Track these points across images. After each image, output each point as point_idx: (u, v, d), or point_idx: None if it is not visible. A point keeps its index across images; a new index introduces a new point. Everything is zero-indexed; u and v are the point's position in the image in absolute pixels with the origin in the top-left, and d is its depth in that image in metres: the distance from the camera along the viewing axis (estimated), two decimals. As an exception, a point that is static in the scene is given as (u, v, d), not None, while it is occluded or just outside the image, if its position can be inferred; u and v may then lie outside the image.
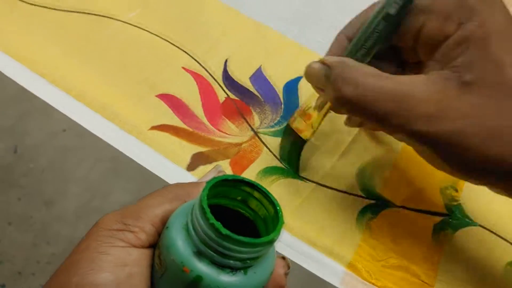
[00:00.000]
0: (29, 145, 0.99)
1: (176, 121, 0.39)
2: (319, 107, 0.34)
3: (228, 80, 0.42)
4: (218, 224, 0.20)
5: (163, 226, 0.24)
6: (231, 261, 0.21)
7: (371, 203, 0.37)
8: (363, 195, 0.37)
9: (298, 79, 0.43)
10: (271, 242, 0.21)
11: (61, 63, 0.40)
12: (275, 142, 0.39)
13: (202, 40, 0.44)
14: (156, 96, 0.40)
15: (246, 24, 0.46)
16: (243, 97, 0.41)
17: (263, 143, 0.39)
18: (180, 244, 0.22)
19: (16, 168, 1.00)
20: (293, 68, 0.44)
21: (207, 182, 0.22)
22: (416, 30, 0.29)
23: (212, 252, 0.21)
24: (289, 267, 0.26)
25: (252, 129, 0.40)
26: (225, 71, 0.42)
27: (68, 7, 0.44)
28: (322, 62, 0.30)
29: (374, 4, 0.32)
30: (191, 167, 0.36)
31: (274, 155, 0.38)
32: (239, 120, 0.40)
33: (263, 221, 0.24)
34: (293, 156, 0.37)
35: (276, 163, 0.38)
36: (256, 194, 0.24)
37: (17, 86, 0.37)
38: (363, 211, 0.37)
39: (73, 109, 0.37)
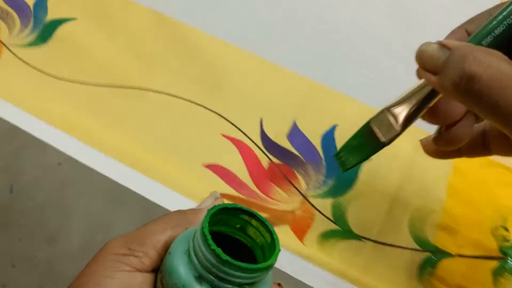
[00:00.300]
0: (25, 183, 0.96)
1: (229, 190, 0.39)
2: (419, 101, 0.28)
3: (267, 142, 0.42)
4: (218, 250, 0.21)
5: (165, 251, 0.25)
6: (230, 286, 0.22)
7: (428, 256, 0.38)
8: (418, 247, 0.38)
9: (333, 128, 0.42)
10: (267, 268, 0.22)
11: (102, 136, 0.41)
12: (325, 205, 0.39)
13: (234, 99, 0.44)
14: (204, 166, 0.40)
15: (274, 73, 0.45)
16: (285, 159, 0.41)
17: (315, 208, 0.39)
18: (182, 269, 0.23)
19: (14, 207, 0.98)
20: (327, 116, 0.43)
21: (208, 210, 0.23)
22: None
23: (212, 277, 0.22)
24: None
25: (301, 194, 0.40)
26: (262, 132, 0.42)
27: (95, 82, 0.44)
28: (440, 44, 0.25)
29: (499, 4, 0.28)
30: None
31: (328, 218, 0.39)
32: (287, 186, 0.40)
33: (260, 248, 0.25)
34: (357, 160, 0.31)
35: (332, 226, 0.38)
36: (254, 222, 0.25)
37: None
38: (422, 266, 0.37)
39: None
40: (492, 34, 0.26)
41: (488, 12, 0.29)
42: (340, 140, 0.42)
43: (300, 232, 0.38)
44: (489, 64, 0.23)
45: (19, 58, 0.44)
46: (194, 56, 0.45)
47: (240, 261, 0.21)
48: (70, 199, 1.12)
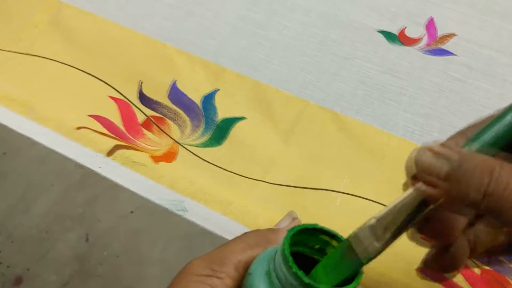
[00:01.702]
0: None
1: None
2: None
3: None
4: (300, 273, 0.21)
5: (245, 271, 0.26)
6: None
7: None
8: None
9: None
10: None
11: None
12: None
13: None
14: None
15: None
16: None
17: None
18: None
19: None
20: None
21: (288, 231, 0.23)
22: None
23: None
24: None
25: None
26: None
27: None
28: (437, 153, 0.22)
29: (471, 126, 0.25)
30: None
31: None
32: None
33: None
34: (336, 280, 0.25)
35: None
36: (334, 243, 0.25)
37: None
38: None
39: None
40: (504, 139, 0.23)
41: (486, 119, 0.24)
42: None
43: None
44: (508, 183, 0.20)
45: (196, 155, 0.45)
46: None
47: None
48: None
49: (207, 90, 0.49)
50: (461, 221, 0.26)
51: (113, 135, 0.45)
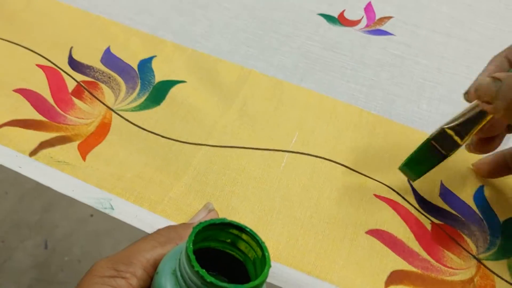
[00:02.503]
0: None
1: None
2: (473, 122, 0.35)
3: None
4: (202, 272, 0.21)
5: (154, 270, 0.25)
6: None
7: None
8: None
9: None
10: (256, 287, 0.21)
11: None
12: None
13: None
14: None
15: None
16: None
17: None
18: None
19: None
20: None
21: (194, 228, 0.22)
22: None
23: None
24: None
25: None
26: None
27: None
28: (492, 77, 0.32)
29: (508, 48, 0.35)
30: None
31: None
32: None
33: (252, 263, 0.24)
34: (424, 170, 0.38)
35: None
36: (244, 236, 0.24)
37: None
38: None
39: None
40: None
41: None
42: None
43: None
44: None
45: (131, 123, 0.41)
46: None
47: (231, 277, 0.22)
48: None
49: (143, 56, 0.46)
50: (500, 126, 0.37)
51: (40, 116, 0.41)
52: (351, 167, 0.41)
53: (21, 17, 0.48)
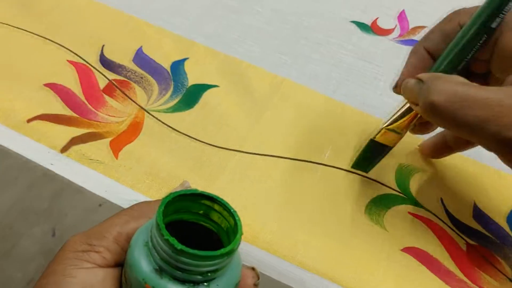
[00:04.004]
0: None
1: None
2: (407, 122, 0.36)
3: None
4: (172, 240, 0.20)
5: (128, 243, 0.24)
6: (191, 276, 0.21)
7: None
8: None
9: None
10: (228, 254, 0.21)
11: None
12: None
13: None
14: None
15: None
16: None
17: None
18: (142, 262, 0.22)
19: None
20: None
21: (163, 198, 0.22)
22: (500, 44, 0.32)
23: (171, 268, 0.21)
24: (258, 278, 0.25)
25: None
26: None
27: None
28: (416, 77, 0.32)
29: (450, 18, 0.34)
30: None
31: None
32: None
33: (226, 233, 0.24)
34: (374, 164, 0.39)
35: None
36: (216, 207, 0.24)
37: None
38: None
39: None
40: (465, 59, 0.33)
41: (443, 25, 0.35)
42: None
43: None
44: (445, 91, 0.29)
45: (164, 123, 0.41)
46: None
47: (206, 248, 0.21)
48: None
49: (176, 58, 0.45)
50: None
51: (71, 112, 0.40)
52: (384, 183, 0.40)
53: (53, 14, 0.48)
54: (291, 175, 0.39)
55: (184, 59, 0.45)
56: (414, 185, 0.40)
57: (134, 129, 0.40)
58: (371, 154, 0.38)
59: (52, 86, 0.42)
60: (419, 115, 0.35)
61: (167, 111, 0.41)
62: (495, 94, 0.28)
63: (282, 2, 0.54)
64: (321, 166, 0.40)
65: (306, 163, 0.40)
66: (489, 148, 0.30)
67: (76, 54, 0.44)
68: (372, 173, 0.40)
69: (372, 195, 0.39)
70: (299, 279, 0.34)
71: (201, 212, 0.24)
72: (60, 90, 0.41)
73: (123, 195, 0.36)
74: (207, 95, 0.43)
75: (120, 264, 0.24)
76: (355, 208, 0.38)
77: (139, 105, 0.41)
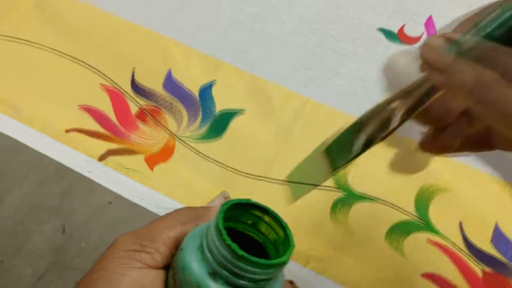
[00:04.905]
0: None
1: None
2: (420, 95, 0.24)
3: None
4: (234, 245, 0.21)
5: (175, 247, 0.25)
6: (245, 282, 0.22)
7: None
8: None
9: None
10: (283, 264, 0.22)
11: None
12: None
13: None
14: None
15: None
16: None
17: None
18: (195, 265, 0.22)
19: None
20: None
21: (222, 205, 0.23)
22: None
23: (227, 273, 0.22)
24: None
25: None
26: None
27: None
28: (448, 37, 0.23)
29: (478, 12, 0.25)
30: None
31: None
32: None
33: (273, 244, 0.25)
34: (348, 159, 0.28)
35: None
36: (266, 218, 0.24)
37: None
38: None
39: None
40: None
41: (475, 16, 0.25)
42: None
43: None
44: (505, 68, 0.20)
45: (195, 150, 0.43)
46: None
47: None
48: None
49: (203, 81, 0.47)
50: (456, 109, 0.26)
51: (105, 131, 0.42)
52: (404, 209, 0.41)
53: (83, 33, 0.49)
54: (318, 201, 0.41)
55: (211, 83, 0.47)
56: (434, 210, 0.41)
57: (166, 153, 0.42)
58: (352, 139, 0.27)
59: (86, 108, 0.44)
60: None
61: (197, 139, 0.43)
62: None
63: (308, 10, 0.53)
64: (346, 192, 0.42)
65: (329, 190, 0.42)
66: None
67: (109, 78, 0.46)
68: (391, 197, 0.41)
69: (392, 222, 0.41)
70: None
71: (249, 222, 0.25)
72: (94, 113, 0.44)
73: (160, 202, 0.39)
74: (234, 122, 0.45)
75: (166, 266, 0.25)
76: (375, 233, 0.40)
77: (170, 132, 0.43)
